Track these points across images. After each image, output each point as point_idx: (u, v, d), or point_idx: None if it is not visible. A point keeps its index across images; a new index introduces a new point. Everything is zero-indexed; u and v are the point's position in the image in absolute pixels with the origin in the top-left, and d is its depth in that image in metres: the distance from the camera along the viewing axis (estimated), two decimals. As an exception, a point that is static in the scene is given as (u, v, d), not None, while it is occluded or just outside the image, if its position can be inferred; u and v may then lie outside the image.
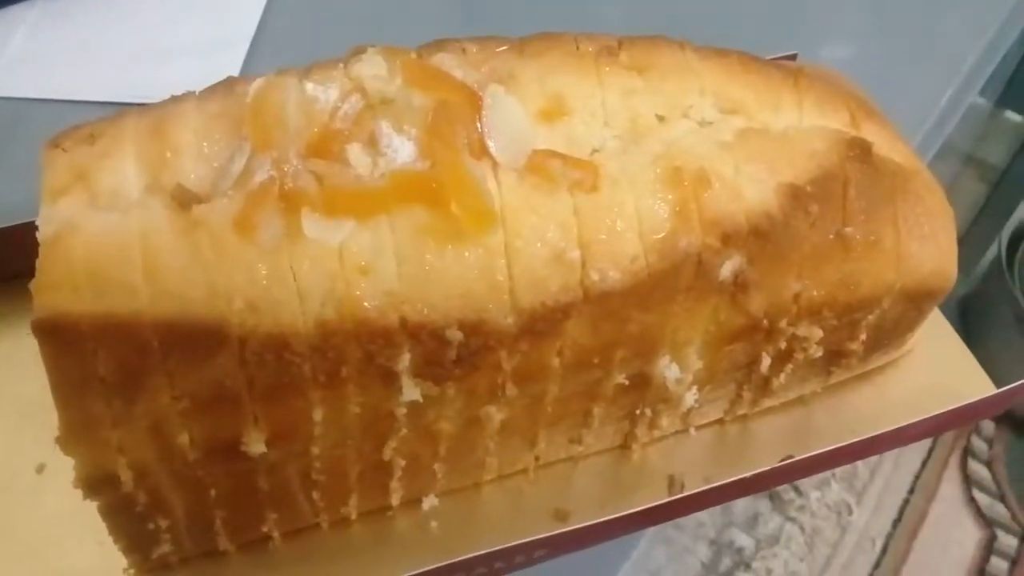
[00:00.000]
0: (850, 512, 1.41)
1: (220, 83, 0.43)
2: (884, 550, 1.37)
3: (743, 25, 0.53)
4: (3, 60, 0.70)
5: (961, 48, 0.74)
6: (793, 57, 0.60)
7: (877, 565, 1.35)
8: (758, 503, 1.41)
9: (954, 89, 0.73)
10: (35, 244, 0.38)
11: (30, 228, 0.39)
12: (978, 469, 1.46)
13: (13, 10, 0.72)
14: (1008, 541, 1.38)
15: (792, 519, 1.40)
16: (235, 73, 0.55)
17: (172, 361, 0.38)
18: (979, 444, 1.50)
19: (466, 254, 0.39)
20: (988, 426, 1.52)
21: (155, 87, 0.43)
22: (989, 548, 1.37)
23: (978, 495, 1.43)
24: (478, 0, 0.75)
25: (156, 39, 0.71)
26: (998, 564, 1.36)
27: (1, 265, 0.52)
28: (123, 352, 0.37)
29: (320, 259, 0.38)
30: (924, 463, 1.48)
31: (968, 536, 1.39)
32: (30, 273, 0.37)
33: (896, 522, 1.40)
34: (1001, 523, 1.40)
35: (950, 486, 1.45)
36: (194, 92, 0.43)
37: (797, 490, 1.44)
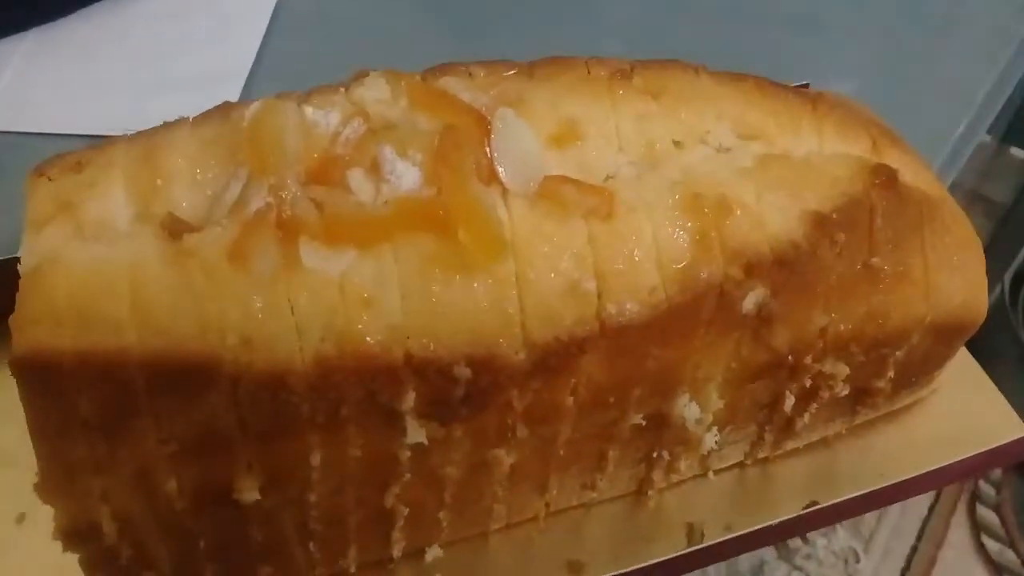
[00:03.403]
0: (857, 560, 1.38)
1: (215, 108, 0.41)
2: (893, 598, 1.33)
3: (751, 59, 0.52)
4: (-7, 94, 0.68)
5: (970, 85, 0.73)
6: (805, 87, 0.59)
7: (887, 613, 1.31)
8: (763, 551, 1.37)
9: (964, 126, 0.71)
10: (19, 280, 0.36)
11: (15, 264, 0.36)
12: (987, 514, 1.43)
13: (4, 42, 0.71)
14: (1018, 587, 1.34)
15: (799, 568, 1.36)
16: (231, 106, 0.53)
17: (159, 401, 0.35)
18: (987, 489, 1.47)
19: (475, 285, 0.36)
20: (995, 470, 1.49)
21: (150, 120, 0.42)
22: (999, 595, 1.33)
23: (987, 541, 1.39)
24: (479, 32, 0.74)
25: (151, 72, 0.70)
26: (1008, 610, 1.32)
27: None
28: (107, 392, 0.35)
29: (319, 291, 0.36)
30: (931, 508, 1.44)
31: (978, 583, 1.35)
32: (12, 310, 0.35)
33: (904, 570, 1.37)
34: (1011, 569, 1.36)
35: (958, 532, 1.42)
36: (188, 118, 0.41)
37: (803, 537, 1.40)
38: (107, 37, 0.72)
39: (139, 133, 0.41)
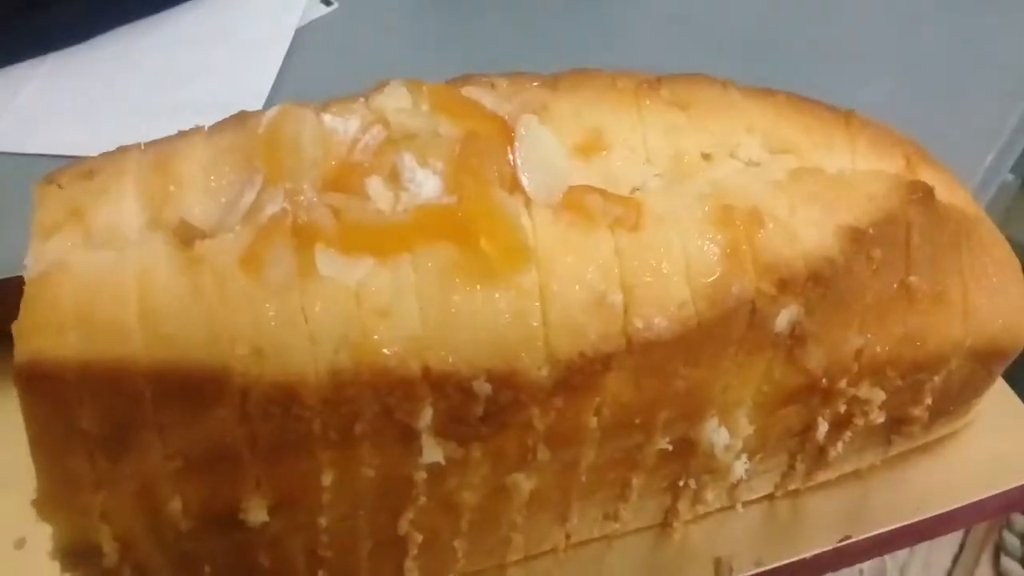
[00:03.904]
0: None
1: (231, 116, 0.40)
2: (920, 652, 1.28)
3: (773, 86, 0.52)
4: (11, 115, 0.67)
5: (995, 123, 0.71)
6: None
7: (914, 668, 1.27)
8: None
9: (989, 162, 0.70)
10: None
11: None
12: (1011, 566, 1.39)
13: (22, 66, 0.70)
14: (1049, 642, 1.29)
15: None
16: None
17: (165, 413, 0.34)
18: (1011, 540, 1.42)
19: (496, 296, 0.35)
20: (1021, 520, 1.45)
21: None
22: (1028, 650, 1.28)
23: (1012, 594, 1.35)
24: (501, 58, 0.73)
25: (169, 96, 0.69)
26: (1040, 667, 1.27)
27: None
28: (111, 402, 0.33)
29: (335, 300, 0.34)
30: (955, 559, 1.40)
31: (1005, 637, 1.30)
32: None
33: (929, 624, 1.32)
34: (1039, 623, 1.31)
35: (983, 585, 1.37)
36: (203, 127, 0.40)
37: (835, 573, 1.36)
38: (125, 62, 0.72)
39: (153, 141, 0.40)
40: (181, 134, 0.40)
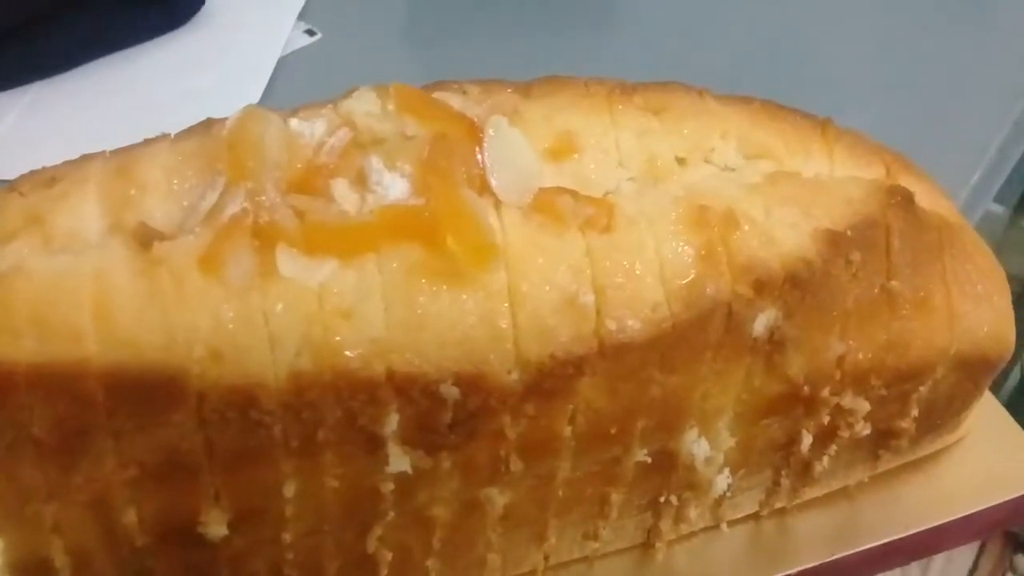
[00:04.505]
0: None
1: (198, 124, 0.39)
2: None
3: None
4: (-5, 140, 0.67)
5: (983, 140, 0.71)
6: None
7: None
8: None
9: (973, 184, 0.69)
10: None
11: None
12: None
13: (6, 94, 0.70)
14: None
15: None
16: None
17: (119, 419, 0.33)
18: (1022, 563, 1.39)
19: (464, 297, 0.34)
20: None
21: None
22: None
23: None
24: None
25: (152, 123, 0.69)
26: None
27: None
28: (63, 407, 0.32)
29: (296, 301, 0.33)
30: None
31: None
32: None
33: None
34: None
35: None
36: (169, 134, 0.40)
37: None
38: (108, 91, 0.72)
39: (119, 148, 0.39)
40: (147, 141, 0.39)
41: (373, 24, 0.79)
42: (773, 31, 0.78)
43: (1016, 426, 0.50)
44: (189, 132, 0.39)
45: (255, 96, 0.71)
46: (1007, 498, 0.43)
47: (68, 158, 0.68)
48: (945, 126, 0.70)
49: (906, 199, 0.41)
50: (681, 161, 0.40)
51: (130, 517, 0.34)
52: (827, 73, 0.73)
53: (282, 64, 0.75)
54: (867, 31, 0.78)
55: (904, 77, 0.74)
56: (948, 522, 0.43)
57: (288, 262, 0.33)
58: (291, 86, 0.73)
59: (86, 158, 0.39)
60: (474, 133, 0.36)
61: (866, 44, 0.77)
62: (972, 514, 0.43)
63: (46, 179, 0.38)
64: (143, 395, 0.32)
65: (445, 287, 0.34)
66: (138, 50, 0.75)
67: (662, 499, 0.43)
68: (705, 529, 0.46)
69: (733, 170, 0.40)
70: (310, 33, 0.78)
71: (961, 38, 0.78)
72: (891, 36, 0.77)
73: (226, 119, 0.38)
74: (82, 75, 0.73)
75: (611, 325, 0.35)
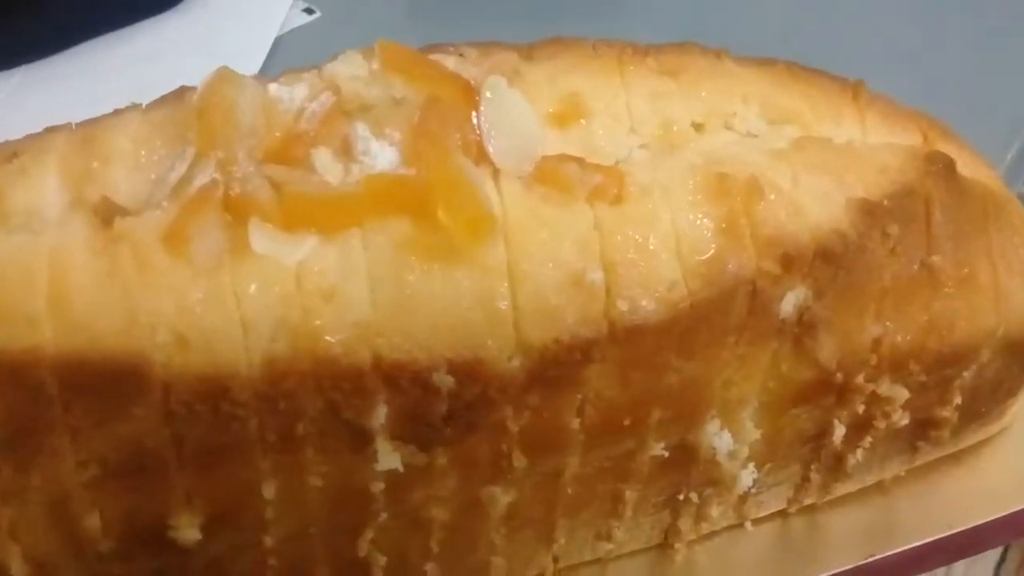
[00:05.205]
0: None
1: (171, 92, 0.36)
2: None
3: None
4: (-22, 128, 0.65)
5: (1019, 115, 0.67)
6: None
7: None
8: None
9: (1009, 160, 0.66)
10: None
11: None
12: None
13: (-10, 78, 0.68)
14: None
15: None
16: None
17: (77, 412, 0.30)
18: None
19: (458, 275, 0.31)
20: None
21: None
22: None
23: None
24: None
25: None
26: None
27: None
28: (15, 400, 0.30)
29: (271, 281, 0.30)
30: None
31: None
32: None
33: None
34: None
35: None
36: (141, 104, 0.37)
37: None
38: (99, 74, 0.70)
39: (87, 120, 0.36)
40: (116, 111, 0.37)
41: (373, 2, 0.77)
42: (800, 6, 0.75)
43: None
44: (161, 101, 0.36)
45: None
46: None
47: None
48: (980, 96, 0.66)
49: (947, 167, 0.37)
50: (698, 127, 0.36)
51: (93, 520, 0.31)
52: (859, 44, 0.70)
53: (279, 43, 0.72)
54: (900, 1, 0.75)
55: (935, 43, 0.70)
56: (992, 520, 0.39)
57: (262, 238, 0.30)
58: (288, 66, 0.70)
59: (51, 130, 0.36)
60: (470, 95, 0.33)
61: (900, 15, 0.73)
62: (1019, 511, 0.39)
63: (7, 154, 0.35)
64: (102, 386, 0.29)
65: (437, 265, 0.31)
66: (130, 30, 0.72)
67: (681, 496, 0.40)
68: (728, 528, 0.43)
69: (756, 136, 0.37)
70: (309, 11, 0.75)
71: (996, 12, 0.75)
72: (926, 6, 0.74)
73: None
74: (72, 57, 0.71)
75: (622, 306, 0.32)
